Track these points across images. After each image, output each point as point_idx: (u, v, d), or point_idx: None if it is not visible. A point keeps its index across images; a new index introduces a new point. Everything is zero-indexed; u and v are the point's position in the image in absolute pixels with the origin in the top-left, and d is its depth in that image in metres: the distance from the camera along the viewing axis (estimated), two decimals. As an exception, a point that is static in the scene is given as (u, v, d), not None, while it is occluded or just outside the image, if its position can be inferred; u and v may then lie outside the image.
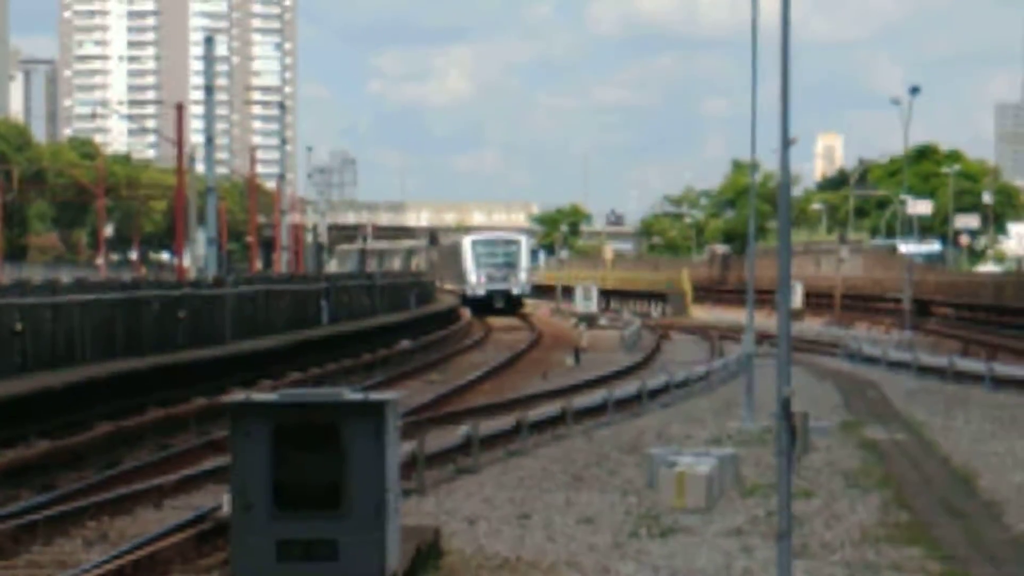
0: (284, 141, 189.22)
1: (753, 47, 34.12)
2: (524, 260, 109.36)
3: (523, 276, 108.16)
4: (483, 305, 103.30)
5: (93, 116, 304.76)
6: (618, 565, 19.67)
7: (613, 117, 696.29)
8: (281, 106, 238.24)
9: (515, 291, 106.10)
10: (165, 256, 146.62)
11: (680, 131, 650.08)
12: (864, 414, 41.76)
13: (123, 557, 19.24)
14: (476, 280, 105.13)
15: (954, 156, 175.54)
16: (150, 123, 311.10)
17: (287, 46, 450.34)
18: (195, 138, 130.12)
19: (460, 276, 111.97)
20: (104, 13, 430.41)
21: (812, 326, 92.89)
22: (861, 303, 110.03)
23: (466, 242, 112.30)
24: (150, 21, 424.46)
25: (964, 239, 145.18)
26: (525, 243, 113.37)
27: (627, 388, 45.24)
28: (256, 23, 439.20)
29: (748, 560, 19.56)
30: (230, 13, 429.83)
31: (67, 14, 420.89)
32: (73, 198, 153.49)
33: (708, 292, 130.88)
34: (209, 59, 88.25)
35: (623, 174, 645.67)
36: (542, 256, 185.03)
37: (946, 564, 19.67)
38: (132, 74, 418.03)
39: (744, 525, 22.20)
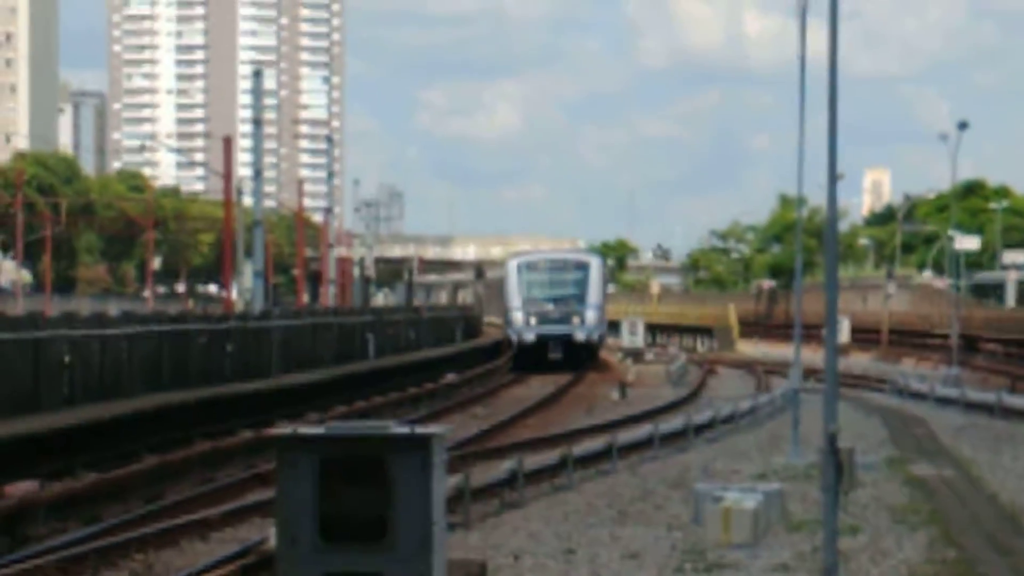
0: (331, 174, 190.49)
1: (801, 82, 34.30)
2: (595, 291, 72.74)
3: (592, 316, 71.93)
4: (534, 355, 74.02)
5: (142, 149, 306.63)
6: None
7: (659, 151, 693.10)
8: (329, 139, 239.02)
9: (580, 336, 71.35)
10: (212, 289, 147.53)
11: (727, 166, 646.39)
12: (911, 450, 41.67)
13: None
14: (524, 320, 71.58)
15: (1003, 192, 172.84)
16: (198, 156, 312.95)
17: (335, 79, 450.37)
18: (243, 171, 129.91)
19: (505, 312, 78.18)
20: (153, 47, 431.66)
21: (859, 361, 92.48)
22: (908, 339, 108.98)
23: (512, 266, 76.08)
24: (199, 55, 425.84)
25: (1012, 275, 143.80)
26: (596, 266, 75.41)
27: (673, 423, 45.41)
28: (304, 56, 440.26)
29: None
30: (278, 47, 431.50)
31: (116, 47, 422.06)
32: (121, 231, 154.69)
33: (755, 327, 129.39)
34: (257, 92, 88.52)
35: (669, 208, 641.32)
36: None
37: None
38: (181, 107, 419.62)
39: (790, 561, 22.28)
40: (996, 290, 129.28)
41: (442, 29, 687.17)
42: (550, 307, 71.69)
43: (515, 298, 74.06)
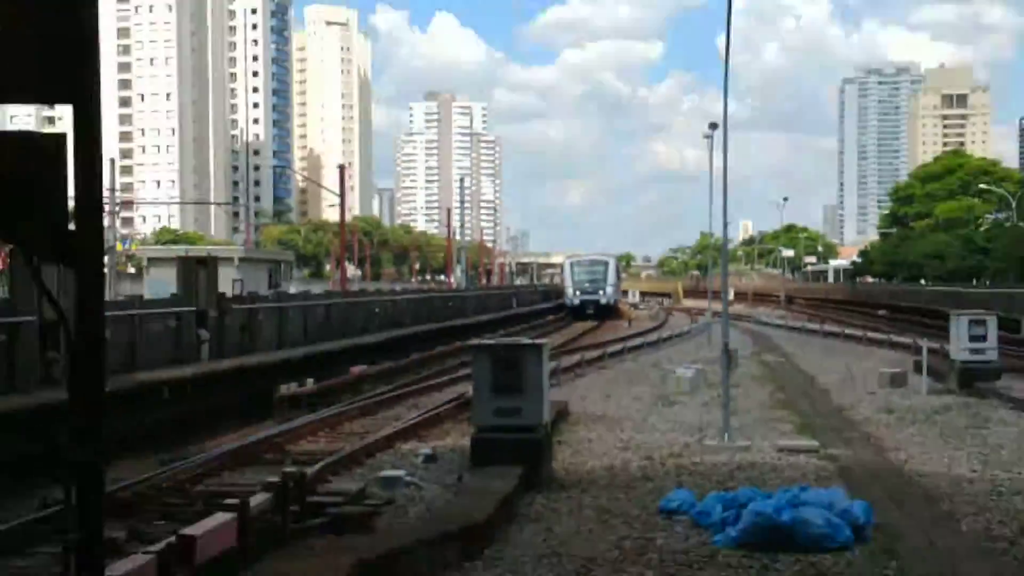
0: (495, 225, 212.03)
1: (711, 180, 40.78)
2: (611, 277, 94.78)
3: (610, 290, 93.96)
4: (578, 312, 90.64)
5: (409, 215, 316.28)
6: (650, 418, 24.41)
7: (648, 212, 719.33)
8: (494, 209, 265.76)
9: (603, 301, 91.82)
10: (441, 277, 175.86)
11: (679, 219, 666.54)
12: (763, 349, 49.75)
13: (426, 413, 24.46)
14: (572, 293, 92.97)
15: (803, 229, 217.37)
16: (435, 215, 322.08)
17: (497, 182, 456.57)
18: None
19: (563, 289, 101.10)
20: (411, 152, 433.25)
21: (737, 308, 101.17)
22: (761, 298, 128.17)
23: (567, 264, 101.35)
24: (425, 176, 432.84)
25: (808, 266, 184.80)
26: (612, 263, 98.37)
27: (652, 337, 55.88)
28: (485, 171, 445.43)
29: (710, 416, 23.72)
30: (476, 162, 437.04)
31: (397, 168, 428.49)
32: (401, 251, 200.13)
33: (690, 293, 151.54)
34: (461, 195, 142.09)
35: (651, 236, 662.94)
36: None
37: (802, 418, 24.37)
38: (429, 201, 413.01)
39: (708, 401, 26.79)
40: (821, 275, 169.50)
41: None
42: (587, 285, 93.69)
43: (568, 281, 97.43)
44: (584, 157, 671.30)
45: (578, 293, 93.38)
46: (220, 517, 11.43)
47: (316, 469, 16.75)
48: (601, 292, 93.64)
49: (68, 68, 5.68)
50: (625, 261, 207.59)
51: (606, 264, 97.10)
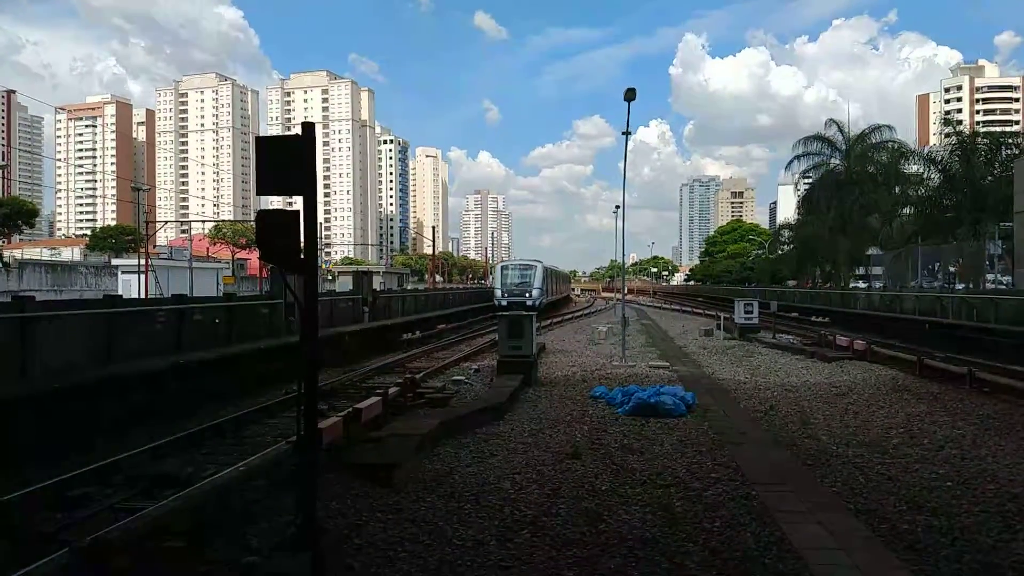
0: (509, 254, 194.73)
1: (616, 233, 44.68)
2: (538, 280, 49.56)
3: (535, 292, 48.36)
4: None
5: (465, 250, 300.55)
6: (585, 351, 22.86)
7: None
8: (508, 247, 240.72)
9: (528, 303, 46.17)
10: (483, 280, 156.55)
11: (599, 251, 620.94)
12: (641, 318, 44.38)
13: (475, 349, 23.21)
14: (500, 294, 48.14)
15: (661, 258, 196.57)
16: (479, 250, 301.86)
17: (508, 235, 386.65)
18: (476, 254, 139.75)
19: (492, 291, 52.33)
20: (467, 219, 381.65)
21: (629, 298, 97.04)
22: (641, 292, 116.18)
23: (498, 267, 53.25)
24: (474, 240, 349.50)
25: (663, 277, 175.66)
26: (540, 268, 51.14)
27: (588, 311, 51.99)
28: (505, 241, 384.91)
29: (615, 350, 22.40)
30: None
31: (452, 233, 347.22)
32: (462, 268, 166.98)
33: (606, 290, 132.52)
34: (492, 242, 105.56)
35: (590, 261, 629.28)
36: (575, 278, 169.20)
37: (661, 352, 22.69)
38: (477, 240, 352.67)
39: (615, 343, 24.86)
40: (669, 281, 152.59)
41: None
42: (515, 288, 46.63)
43: (498, 282, 48.15)
44: (553, 222, 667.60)
45: (505, 295, 49.58)
46: (373, 398, 11.39)
47: (420, 375, 16.26)
48: (527, 295, 49.55)
49: (299, 178, 5.78)
50: (573, 273, 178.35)
51: (534, 268, 51.66)
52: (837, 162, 48.38)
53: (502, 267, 48.00)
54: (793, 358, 20.91)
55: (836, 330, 28.00)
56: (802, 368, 18.60)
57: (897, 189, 44.52)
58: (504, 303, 44.29)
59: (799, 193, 53.79)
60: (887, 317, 29.88)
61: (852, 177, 46.33)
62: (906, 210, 44.74)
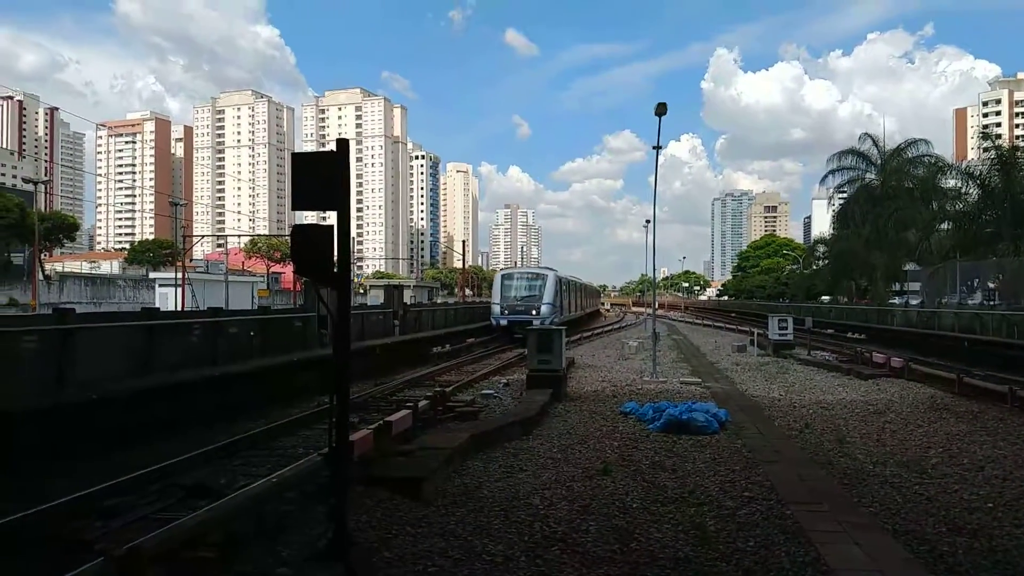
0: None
1: (647, 248, 43.39)
2: (548, 295, 32.42)
3: (545, 309, 31.71)
4: (507, 335, 31.88)
5: (495, 265, 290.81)
6: (615, 366, 22.79)
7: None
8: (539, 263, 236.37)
9: (536, 323, 29.60)
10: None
11: (629, 266, 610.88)
12: (672, 333, 44.20)
13: (504, 362, 22.98)
14: (499, 311, 32.08)
15: (693, 273, 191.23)
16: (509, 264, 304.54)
17: (539, 248, 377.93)
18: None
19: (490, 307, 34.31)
20: (497, 233, 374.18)
21: (660, 313, 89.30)
22: (672, 307, 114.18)
23: (497, 277, 35.43)
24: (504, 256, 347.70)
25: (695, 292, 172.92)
26: (552, 277, 33.65)
27: (616, 326, 51.33)
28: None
29: (646, 365, 21.85)
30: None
31: (482, 248, 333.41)
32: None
33: (636, 304, 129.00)
34: (522, 256, 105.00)
35: (620, 275, 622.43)
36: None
37: (692, 367, 22.67)
38: (507, 255, 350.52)
39: (645, 358, 24.36)
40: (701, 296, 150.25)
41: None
42: (519, 303, 32.55)
43: (497, 296, 33.68)
44: (583, 236, 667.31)
45: (506, 311, 32.78)
46: (403, 411, 11.31)
47: (450, 389, 16.18)
48: (534, 311, 32.36)
49: (333, 194, 5.84)
50: (603, 287, 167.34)
51: (543, 278, 34.08)
52: (872, 176, 47.78)
53: (502, 276, 34.61)
54: (829, 375, 20.64)
55: (872, 347, 27.60)
56: (838, 385, 18.36)
57: (934, 204, 43.77)
58: (503, 322, 32.10)
59: (833, 208, 53.13)
60: (925, 334, 29.44)
61: (888, 191, 45.69)
62: (944, 225, 43.91)
